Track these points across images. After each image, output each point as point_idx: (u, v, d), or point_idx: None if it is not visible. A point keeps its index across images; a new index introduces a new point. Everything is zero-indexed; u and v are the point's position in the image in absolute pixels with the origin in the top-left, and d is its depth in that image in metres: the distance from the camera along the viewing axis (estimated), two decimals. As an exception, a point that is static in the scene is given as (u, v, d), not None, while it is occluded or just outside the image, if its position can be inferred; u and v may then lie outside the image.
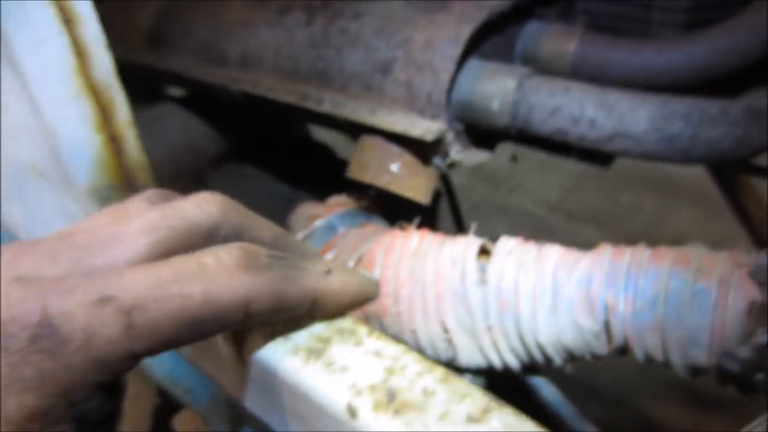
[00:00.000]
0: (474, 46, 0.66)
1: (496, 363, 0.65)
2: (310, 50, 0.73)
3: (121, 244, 0.35)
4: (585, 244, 0.61)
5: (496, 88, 0.62)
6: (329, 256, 0.74)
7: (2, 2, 0.36)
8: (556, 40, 0.71)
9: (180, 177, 1.19)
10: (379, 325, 0.72)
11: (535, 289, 0.59)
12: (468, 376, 0.70)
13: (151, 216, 0.36)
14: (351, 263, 0.72)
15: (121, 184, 0.48)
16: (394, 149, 0.67)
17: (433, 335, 0.67)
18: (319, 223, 0.76)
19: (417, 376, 0.35)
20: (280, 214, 1.03)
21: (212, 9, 0.88)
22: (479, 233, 0.65)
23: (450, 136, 0.64)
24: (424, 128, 0.63)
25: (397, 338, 0.71)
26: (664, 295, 0.52)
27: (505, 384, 0.70)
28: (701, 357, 0.51)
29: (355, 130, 0.71)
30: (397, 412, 0.33)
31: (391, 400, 0.34)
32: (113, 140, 0.46)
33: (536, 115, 0.61)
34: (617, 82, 0.68)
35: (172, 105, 1.05)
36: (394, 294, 0.69)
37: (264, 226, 0.42)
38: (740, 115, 0.57)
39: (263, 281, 0.35)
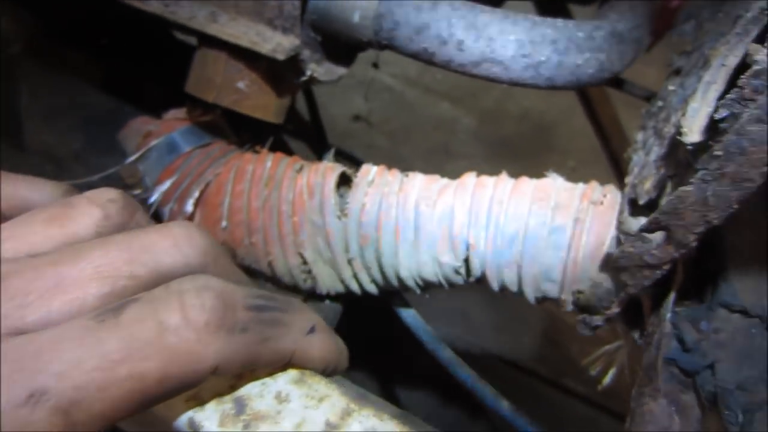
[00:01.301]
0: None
1: (356, 291, 0.64)
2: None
3: (64, 294, 0.27)
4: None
5: (357, -3, 0.54)
6: (170, 181, 0.65)
7: None
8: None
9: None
10: (232, 255, 0.67)
11: (397, 224, 0.56)
12: (327, 301, 0.69)
13: (111, 257, 0.28)
14: (197, 192, 0.64)
15: None
16: (241, 64, 0.58)
17: (291, 266, 0.64)
18: (156, 141, 0.66)
19: (270, 379, 0.31)
20: (104, 126, 0.89)
21: None
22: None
23: (305, 53, 0.56)
24: (275, 44, 0.54)
25: (252, 269, 0.67)
26: (523, 233, 0.52)
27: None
28: (553, 291, 0.53)
29: (192, 34, 0.60)
30: (247, 426, 0.29)
31: (240, 412, 0.30)
32: None
33: (401, 32, 0.54)
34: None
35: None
36: (247, 224, 0.63)
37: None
38: (605, 41, 0.55)
39: (236, 347, 0.28)
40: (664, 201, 0.31)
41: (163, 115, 0.69)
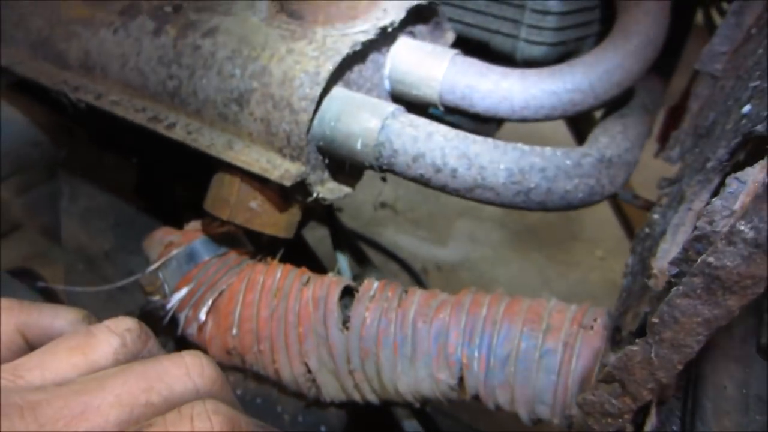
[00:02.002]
0: (339, 73, 0.62)
1: (358, 400, 0.65)
2: (159, 66, 0.66)
3: (88, 421, 0.30)
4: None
5: (359, 127, 0.59)
6: (187, 289, 0.69)
7: None
8: (425, 63, 0.69)
9: (27, 172, 1.06)
10: (240, 361, 0.70)
11: (395, 340, 0.58)
12: (331, 409, 0.70)
13: (130, 386, 0.32)
14: (210, 300, 0.68)
15: None
16: (254, 185, 0.63)
17: (296, 374, 0.66)
18: (177, 251, 0.71)
19: None
20: (133, 228, 0.96)
21: (47, 2, 0.76)
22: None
23: (312, 178, 0.61)
24: (284, 170, 0.59)
25: (260, 375, 0.69)
26: (515, 354, 0.53)
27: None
28: (546, 413, 0.53)
29: (211, 159, 0.66)
30: None
31: None
32: None
33: (399, 160, 0.59)
34: (483, 112, 0.68)
35: (3, 99, 0.91)
36: (255, 332, 0.66)
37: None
38: (593, 167, 0.58)
39: None
40: (615, 356, 0.32)
41: (185, 226, 0.74)
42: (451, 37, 0.79)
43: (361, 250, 1.98)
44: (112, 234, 0.96)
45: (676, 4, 0.89)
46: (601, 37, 0.82)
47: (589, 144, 0.62)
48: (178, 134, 0.64)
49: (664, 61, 0.76)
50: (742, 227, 0.23)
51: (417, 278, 2.01)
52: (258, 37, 0.62)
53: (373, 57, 0.67)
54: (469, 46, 0.85)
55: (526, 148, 0.57)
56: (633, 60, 0.65)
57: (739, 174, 0.29)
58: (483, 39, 0.85)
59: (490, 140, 0.58)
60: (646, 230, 0.54)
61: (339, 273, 0.92)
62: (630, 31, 0.66)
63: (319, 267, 1.24)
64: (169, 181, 1.00)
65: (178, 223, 0.93)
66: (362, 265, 1.80)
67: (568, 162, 0.57)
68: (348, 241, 1.83)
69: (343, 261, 0.85)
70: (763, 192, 0.23)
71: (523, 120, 0.67)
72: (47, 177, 1.10)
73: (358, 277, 0.71)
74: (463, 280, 2.11)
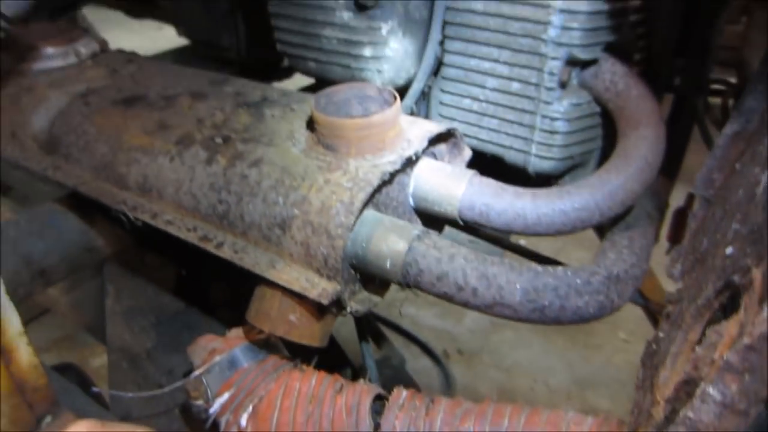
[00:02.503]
0: (370, 198, 0.70)
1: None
2: (211, 192, 0.74)
3: None
4: None
5: (388, 249, 0.66)
6: (228, 394, 0.75)
7: None
8: (445, 184, 0.76)
9: (78, 272, 1.14)
10: (278, 464, 0.74)
11: (423, 448, 0.63)
12: None
13: None
14: (250, 406, 0.73)
15: (10, 391, 0.47)
16: (293, 300, 0.69)
17: (330, 478, 0.69)
18: (219, 357, 0.77)
19: None
20: (173, 327, 1.02)
21: (110, 126, 0.87)
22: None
23: (345, 294, 0.67)
24: (321, 289, 0.65)
25: (296, 479, 0.73)
26: (534, 465, 0.57)
27: None
28: None
29: (255, 277, 0.73)
30: None
31: None
32: (4, 353, 0.46)
33: (425, 279, 0.65)
34: (499, 227, 0.75)
35: (63, 205, 1.01)
36: (293, 437, 0.70)
37: None
38: (602, 284, 0.64)
39: None
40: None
41: (227, 333, 0.80)
42: (468, 153, 0.87)
43: (384, 334, 2.01)
44: (153, 332, 1.03)
45: (678, 110, 0.97)
46: (605, 151, 0.90)
47: (598, 261, 0.68)
48: (225, 253, 0.72)
49: (668, 164, 0.83)
50: (712, 391, 0.28)
51: (439, 363, 2.03)
52: (298, 167, 0.71)
53: (398, 179, 0.75)
54: (484, 159, 0.93)
55: (540, 268, 0.64)
56: (633, 182, 0.72)
57: (717, 327, 0.35)
58: (497, 154, 0.93)
59: (507, 262, 0.64)
60: (654, 346, 0.59)
61: (366, 370, 0.97)
62: (630, 156, 0.73)
63: (342, 357, 1.28)
64: (206, 282, 1.07)
65: (214, 323, 1.00)
66: (384, 349, 1.83)
67: (578, 281, 0.63)
68: (370, 325, 1.88)
69: (369, 356, 0.90)
70: (731, 359, 0.29)
71: (536, 234, 0.74)
72: (93, 276, 1.18)
73: (381, 363, 0.75)
74: (485, 364, 2.12)
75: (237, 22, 1.42)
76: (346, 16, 0.87)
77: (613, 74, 0.82)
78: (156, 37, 2.66)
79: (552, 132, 0.87)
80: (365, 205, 0.67)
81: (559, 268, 0.64)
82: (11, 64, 1.01)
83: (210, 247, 0.73)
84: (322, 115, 0.71)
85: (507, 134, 0.91)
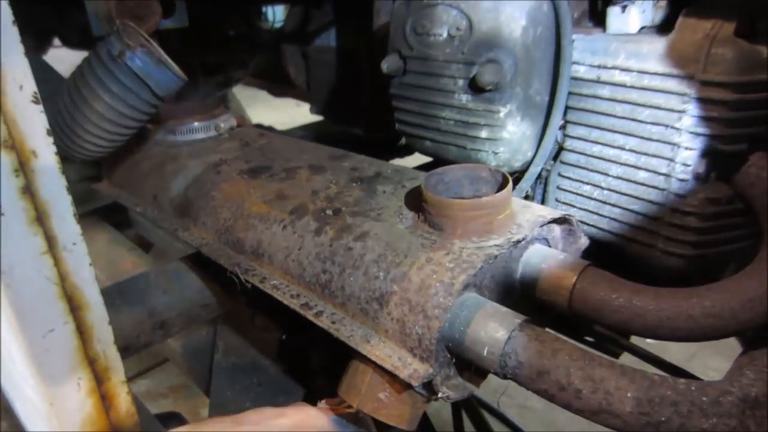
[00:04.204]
0: (472, 280, 0.67)
1: None
2: (316, 261, 0.76)
3: None
4: None
5: (486, 336, 0.62)
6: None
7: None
8: (556, 273, 0.72)
9: (193, 326, 1.21)
10: None
11: None
12: None
13: None
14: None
15: (106, 436, 0.49)
16: (384, 377, 0.67)
17: None
18: (308, 429, 0.76)
19: None
20: (272, 389, 1.03)
21: (234, 194, 0.93)
22: None
23: (438, 379, 0.64)
24: (413, 370, 0.63)
25: None
26: None
27: None
28: None
29: (349, 349, 0.72)
30: None
31: None
32: (105, 398, 0.48)
33: (523, 372, 0.60)
34: (614, 326, 0.68)
35: (188, 263, 1.08)
36: None
37: None
38: (734, 407, 0.55)
39: None
40: None
41: (318, 403, 0.79)
42: (584, 242, 0.82)
43: (487, 425, 1.89)
44: (253, 393, 1.04)
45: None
46: (746, 254, 0.80)
47: (732, 378, 0.59)
48: (323, 322, 0.72)
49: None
50: None
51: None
52: (402, 244, 0.70)
53: (505, 264, 0.72)
54: (603, 250, 0.87)
55: (656, 377, 0.56)
56: (779, 290, 0.63)
57: None
58: (618, 245, 0.87)
59: (617, 364, 0.58)
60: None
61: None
62: (775, 260, 0.65)
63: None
64: (308, 348, 1.08)
65: (311, 392, 1.00)
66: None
67: (705, 398, 0.55)
68: (471, 410, 1.77)
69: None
70: None
71: (657, 338, 0.66)
72: (206, 331, 1.24)
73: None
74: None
75: (362, 102, 1.50)
76: (464, 98, 0.88)
77: (760, 169, 0.74)
78: (294, 114, 2.89)
79: (683, 227, 0.79)
80: (466, 287, 0.64)
81: (683, 381, 0.56)
82: (161, 136, 1.13)
83: (310, 315, 0.74)
84: (429, 193, 0.71)
85: (630, 225, 0.85)
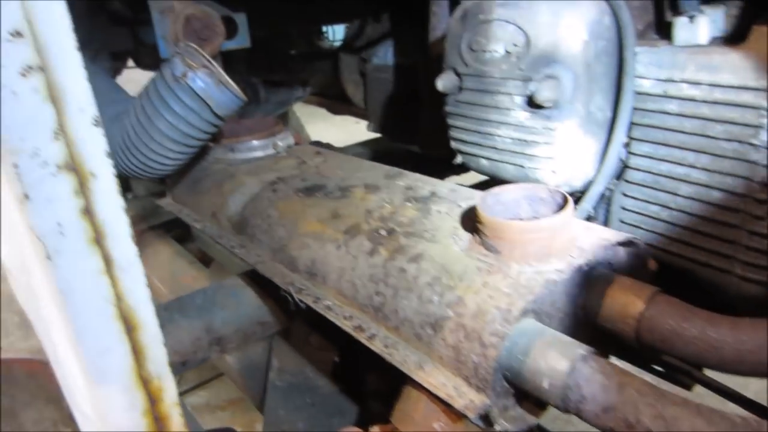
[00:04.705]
0: (531, 306, 0.64)
1: None
2: (370, 282, 0.75)
3: None
4: None
5: (547, 367, 0.59)
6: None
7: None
8: (621, 299, 0.68)
9: (249, 343, 1.22)
10: None
11: None
12: None
13: None
14: None
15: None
16: (439, 406, 0.65)
17: None
18: (360, 454, 0.74)
19: None
20: (325, 411, 1.02)
21: (290, 212, 0.93)
22: None
23: (495, 411, 0.61)
24: (468, 401, 0.60)
25: None
26: None
27: None
28: None
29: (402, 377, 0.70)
30: None
31: None
32: (158, 420, 0.49)
33: (588, 407, 0.57)
34: (687, 358, 0.64)
35: (245, 280, 1.09)
36: None
37: None
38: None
39: None
40: None
41: (370, 429, 0.77)
42: (652, 267, 0.77)
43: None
44: (306, 413, 1.04)
45: None
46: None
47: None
48: (376, 346, 0.71)
49: None
50: None
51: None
52: (457, 267, 0.68)
53: (566, 289, 0.68)
54: (672, 276, 0.82)
55: (738, 418, 0.52)
56: None
57: None
58: (689, 270, 0.82)
59: (692, 404, 0.53)
60: None
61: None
62: None
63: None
64: (363, 369, 1.07)
65: (365, 414, 0.98)
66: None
67: (790, 443, 0.50)
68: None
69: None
70: None
71: (737, 374, 0.61)
72: (262, 348, 1.25)
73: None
74: None
75: (418, 119, 1.49)
76: (521, 115, 0.85)
77: None
78: (353, 130, 2.92)
79: (763, 252, 0.74)
80: (524, 314, 0.61)
81: (765, 422, 0.51)
82: (221, 153, 1.15)
83: (362, 338, 0.72)
84: (485, 214, 0.68)
85: (703, 249, 0.80)
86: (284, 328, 1.18)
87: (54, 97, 0.36)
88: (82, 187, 0.38)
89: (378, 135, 2.04)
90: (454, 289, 0.66)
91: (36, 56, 0.34)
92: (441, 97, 1.01)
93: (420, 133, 1.69)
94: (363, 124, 2.15)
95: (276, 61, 2.28)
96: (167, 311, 1.03)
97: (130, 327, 0.44)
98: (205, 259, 1.68)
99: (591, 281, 0.70)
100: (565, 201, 0.69)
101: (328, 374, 1.11)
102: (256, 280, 1.08)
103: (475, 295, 0.64)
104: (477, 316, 0.62)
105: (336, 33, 2.98)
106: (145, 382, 0.46)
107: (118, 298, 0.42)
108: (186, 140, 0.92)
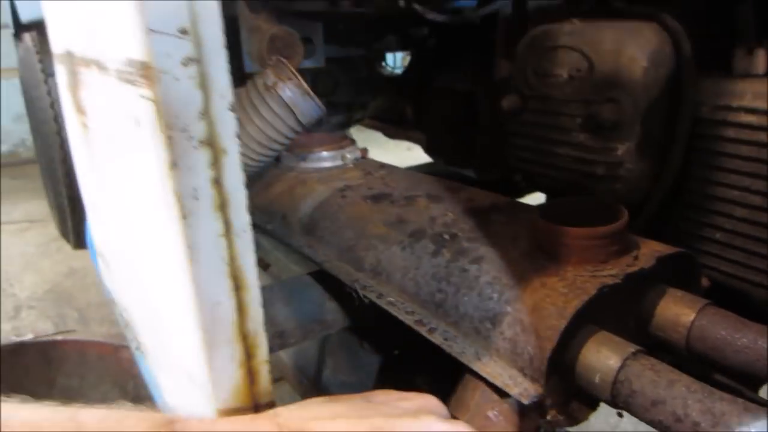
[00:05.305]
0: (585, 308, 0.69)
1: None
2: (432, 281, 0.81)
3: None
4: None
5: (598, 363, 0.63)
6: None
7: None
8: (673, 309, 0.71)
9: (308, 340, 1.28)
10: None
11: None
12: None
13: None
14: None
15: (249, 407, 0.56)
16: (494, 396, 0.70)
17: None
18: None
19: None
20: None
21: (357, 217, 1.00)
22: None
23: (548, 401, 0.65)
24: (523, 389, 0.65)
25: None
26: None
27: None
28: None
29: (461, 365, 0.75)
30: None
31: None
32: (251, 373, 0.55)
33: (637, 401, 0.60)
34: (737, 367, 0.66)
35: (309, 279, 1.17)
36: None
37: None
38: None
39: None
40: None
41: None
42: (704, 283, 0.80)
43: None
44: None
45: None
46: None
47: None
48: (436, 339, 0.76)
49: None
50: None
51: None
52: (516, 269, 0.73)
53: (619, 295, 0.72)
54: (725, 295, 0.85)
55: (784, 416, 0.55)
56: None
57: None
58: (743, 290, 0.84)
59: (740, 401, 0.57)
60: None
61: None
62: None
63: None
64: (411, 374, 1.11)
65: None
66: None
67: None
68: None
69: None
70: None
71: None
72: (317, 348, 1.31)
73: None
74: None
75: (476, 144, 1.55)
76: (582, 136, 0.91)
77: None
78: (404, 156, 3.00)
79: (815, 273, 0.76)
80: (579, 312, 0.66)
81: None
82: (292, 161, 1.24)
83: (423, 331, 0.78)
84: (543, 221, 0.74)
85: (757, 270, 0.83)
86: (340, 329, 1.24)
87: (203, 85, 0.44)
88: (216, 161, 0.46)
89: (431, 160, 2.11)
90: (512, 288, 0.71)
91: (195, 50, 0.42)
92: (501, 121, 1.07)
93: (477, 158, 1.75)
94: (415, 150, 2.23)
95: (338, 84, 2.39)
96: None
97: (237, 285, 0.51)
98: (261, 265, 1.78)
99: (644, 290, 0.74)
100: (621, 213, 0.74)
101: (380, 375, 1.16)
102: (319, 280, 1.15)
103: (533, 293, 0.69)
104: (534, 312, 0.67)
105: (396, 60, 3.11)
106: (245, 337, 0.53)
107: (232, 259, 0.50)
108: (270, 144, 1.01)
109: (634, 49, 0.83)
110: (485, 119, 1.60)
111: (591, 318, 0.70)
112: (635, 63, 0.83)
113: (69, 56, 0.69)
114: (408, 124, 2.17)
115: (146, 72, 0.42)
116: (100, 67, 0.54)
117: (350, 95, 2.32)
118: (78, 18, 0.60)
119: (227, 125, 0.46)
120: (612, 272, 0.70)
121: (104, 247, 0.91)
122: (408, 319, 0.81)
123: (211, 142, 0.45)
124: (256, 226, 1.29)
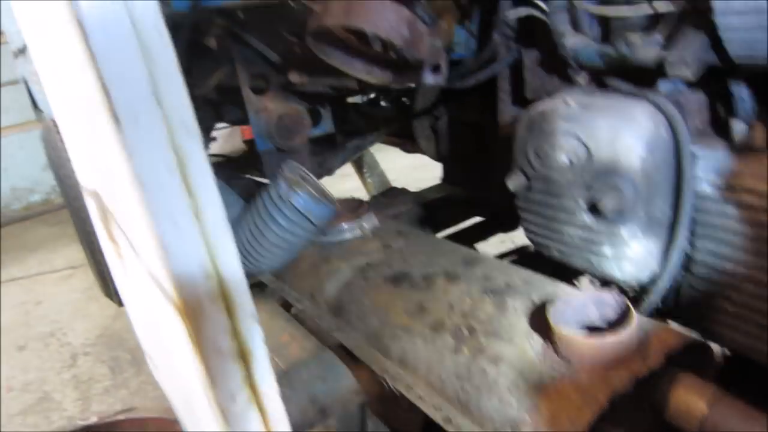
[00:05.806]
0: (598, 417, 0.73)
1: None
2: (456, 380, 0.86)
3: None
4: None
5: (616, 472, 0.68)
6: None
7: None
8: (685, 398, 0.75)
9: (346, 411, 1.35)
10: None
11: None
12: None
13: None
14: None
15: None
16: (520, 499, 0.75)
17: None
18: None
19: None
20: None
21: (381, 302, 1.06)
22: None
23: None
24: (546, 500, 0.70)
25: None
26: None
27: None
28: None
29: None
30: None
31: None
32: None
33: None
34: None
35: (339, 352, 1.23)
36: None
37: None
38: None
39: None
40: None
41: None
42: (717, 363, 0.83)
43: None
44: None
45: None
46: None
47: None
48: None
49: None
50: None
51: None
52: (533, 374, 0.78)
53: (634, 392, 0.76)
54: (739, 365, 0.88)
55: None
56: None
57: None
58: (758, 361, 0.87)
59: None
60: None
61: None
62: None
63: None
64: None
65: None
66: None
67: None
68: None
69: None
70: None
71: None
72: (357, 412, 1.38)
73: None
74: None
75: (489, 172, 1.58)
76: (586, 218, 0.94)
77: None
78: (411, 158, 3.03)
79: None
80: (594, 421, 0.70)
81: None
82: (314, 236, 1.30)
83: (450, 429, 0.83)
84: (557, 327, 0.78)
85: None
86: (375, 396, 1.30)
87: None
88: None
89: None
90: (530, 396, 0.76)
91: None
92: (510, 156, 1.09)
93: (492, 188, 1.78)
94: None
95: (353, 113, 2.43)
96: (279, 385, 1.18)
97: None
98: (285, 305, 1.85)
99: (657, 381, 0.78)
100: (629, 311, 0.77)
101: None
102: (350, 352, 1.22)
103: (549, 403, 0.74)
104: (550, 422, 0.72)
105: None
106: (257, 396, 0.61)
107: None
108: (290, 246, 1.07)
109: (630, 138, 0.85)
110: (495, 149, 1.62)
111: (608, 419, 0.74)
112: (632, 152, 0.85)
113: (97, 197, 0.74)
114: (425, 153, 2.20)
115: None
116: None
117: (365, 123, 2.36)
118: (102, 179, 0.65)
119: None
120: (624, 375, 0.74)
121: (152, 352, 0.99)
122: (436, 416, 0.87)
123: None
124: (288, 305, 1.36)
